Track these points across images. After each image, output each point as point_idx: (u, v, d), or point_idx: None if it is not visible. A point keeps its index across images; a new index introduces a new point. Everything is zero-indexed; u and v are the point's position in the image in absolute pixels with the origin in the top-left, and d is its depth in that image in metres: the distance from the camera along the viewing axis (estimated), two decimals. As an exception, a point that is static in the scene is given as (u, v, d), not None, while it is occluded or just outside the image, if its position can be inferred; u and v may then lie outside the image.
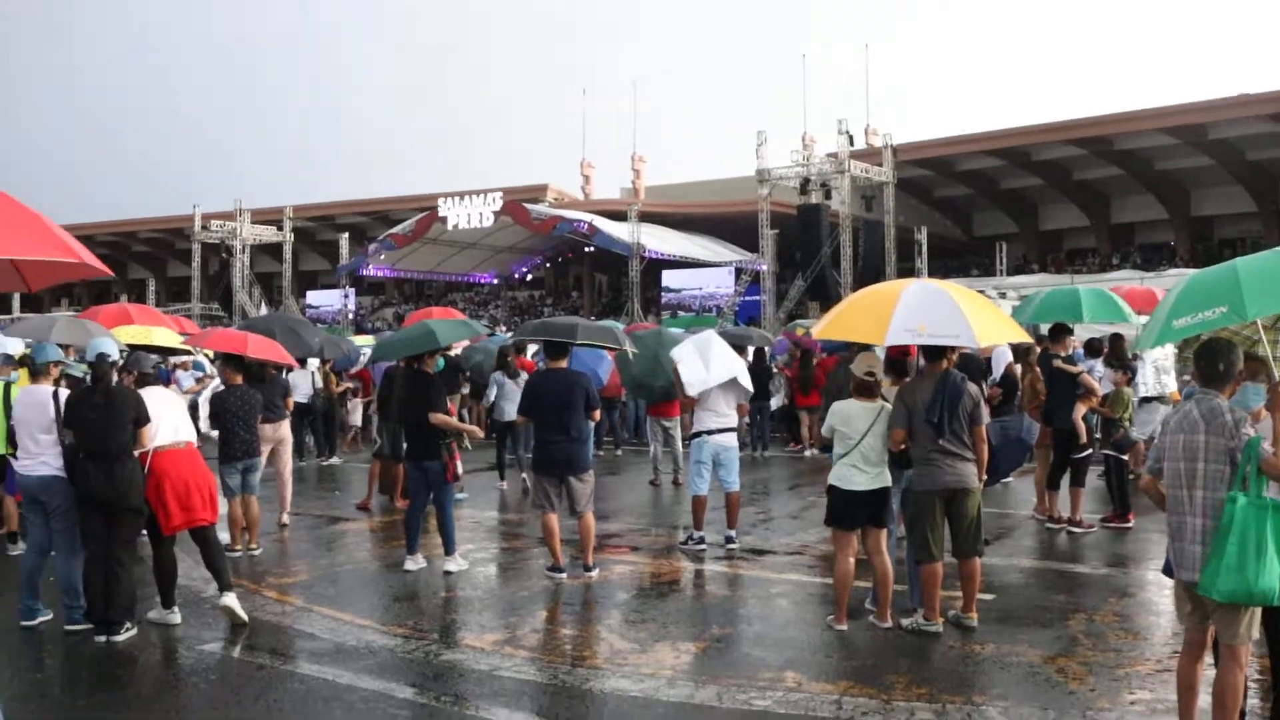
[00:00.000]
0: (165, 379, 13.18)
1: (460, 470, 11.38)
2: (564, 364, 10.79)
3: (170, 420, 9.06)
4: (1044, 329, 13.99)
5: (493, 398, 17.00)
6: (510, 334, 21.06)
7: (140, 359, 9.89)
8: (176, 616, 8.94)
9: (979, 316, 8.42)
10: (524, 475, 15.86)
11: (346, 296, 63.12)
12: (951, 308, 8.30)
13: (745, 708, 6.79)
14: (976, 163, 53.25)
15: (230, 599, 8.92)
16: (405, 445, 11.62)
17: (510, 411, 15.85)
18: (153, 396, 9.10)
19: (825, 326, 9.16)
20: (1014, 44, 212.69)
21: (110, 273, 5.81)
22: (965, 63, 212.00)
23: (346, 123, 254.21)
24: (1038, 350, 13.21)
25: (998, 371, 14.22)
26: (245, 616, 8.91)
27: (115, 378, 9.06)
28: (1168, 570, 6.02)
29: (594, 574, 10.60)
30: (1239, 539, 5.35)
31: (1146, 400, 14.89)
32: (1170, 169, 50.85)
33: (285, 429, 13.90)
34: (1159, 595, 9.71)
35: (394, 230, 58.23)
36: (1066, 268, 52.04)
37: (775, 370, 21.93)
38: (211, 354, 19.54)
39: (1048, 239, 58.54)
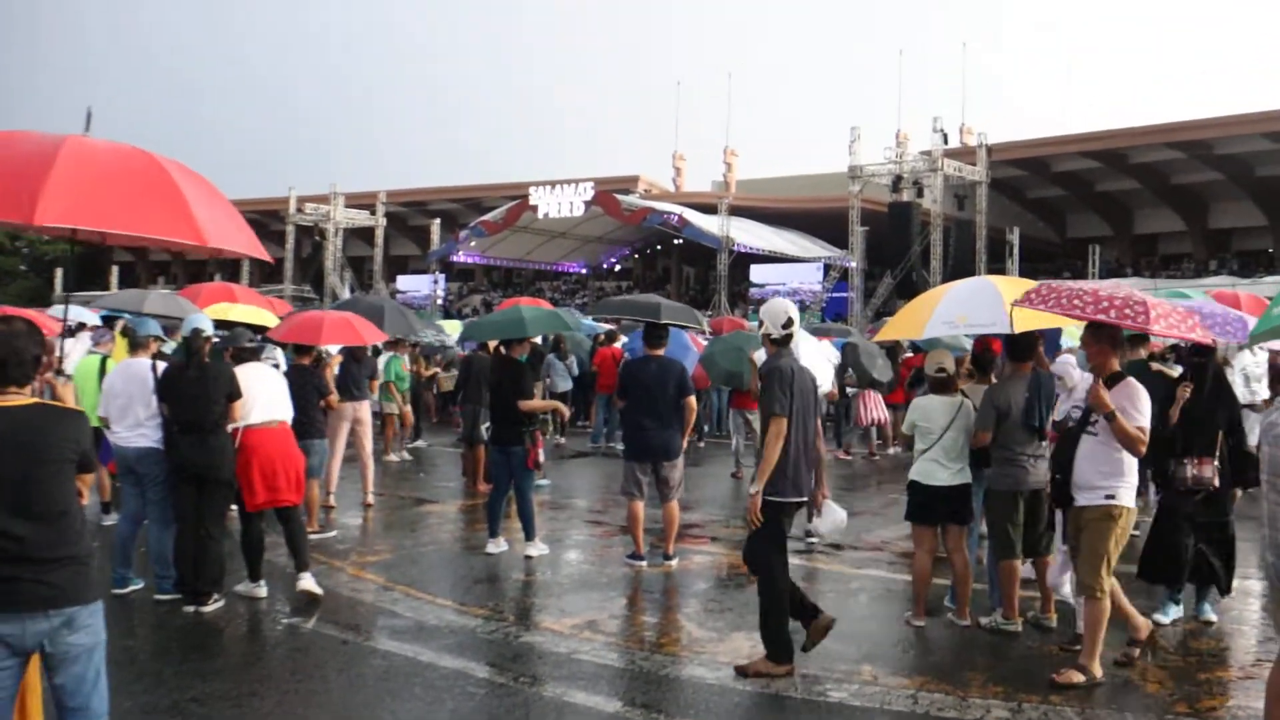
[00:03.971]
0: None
1: (542, 458, 11.44)
2: (661, 352, 10.78)
3: (264, 398, 9.19)
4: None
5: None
6: (592, 319, 21.08)
7: (238, 335, 9.98)
8: (263, 590, 9.10)
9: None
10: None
11: (436, 282, 63.60)
12: (993, 295, 8.38)
13: (821, 699, 6.80)
14: (1071, 164, 52.39)
15: (306, 579, 9.10)
16: (490, 430, 11.70)
17: (560, 386, 15.98)
18: (249, 373, 9.24)
19: (885, 328, 9.16)
20: (1113, 46, 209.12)
21: (270, 258, 6.01)
22: (1063, 63, 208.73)
23: (442, 111, 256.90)
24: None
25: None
26: (320, 591, 9.07)
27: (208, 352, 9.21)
28: None
29: (674, 563, 10.65)
30: None
31: (1238, 408, 14.63)
32: (1270, 174, 49.69)
33: (366, 410, 14.04)
34: (1244, 603, 9.55)
35: (485, 217, 58.46)
36: (1161, 272, 51.13)
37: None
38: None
39: (1142, 243, 57.47)
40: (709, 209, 53.13)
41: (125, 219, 5.30)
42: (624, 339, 19.73)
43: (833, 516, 7.81)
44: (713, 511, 13.96)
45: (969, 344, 11.12)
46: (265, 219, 66.96)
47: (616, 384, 11.29)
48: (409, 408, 18.82)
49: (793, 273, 54.80)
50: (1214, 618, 8.57)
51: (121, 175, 5.36)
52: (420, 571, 10.36)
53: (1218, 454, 8.29)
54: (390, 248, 70.15)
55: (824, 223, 53.75)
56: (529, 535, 11.09)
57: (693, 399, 10.83)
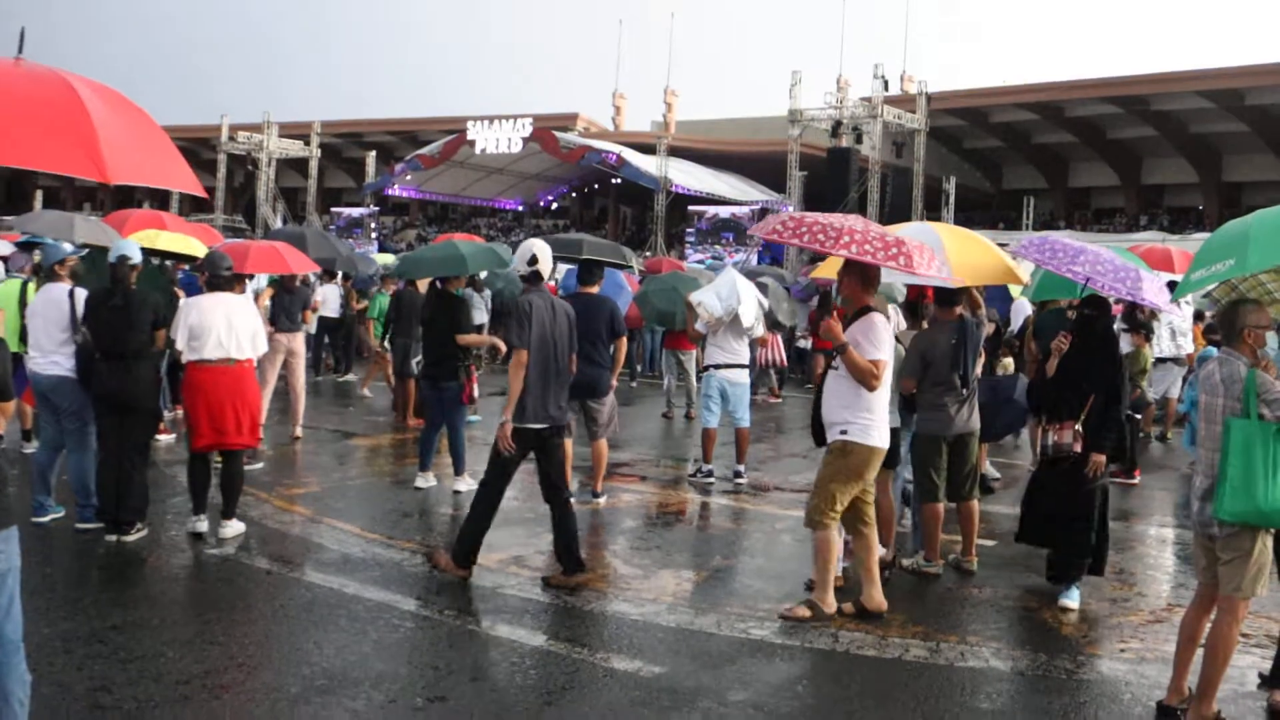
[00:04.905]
0: (190, 287, 13.10)
1: (476, 393, 11.41)
2: (595, 289, 10.69)
3: (220, 332, 8.80)
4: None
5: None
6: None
7: (215, 260, 9.33)
8: (203, 524, 8.89)
9: (966, 257, 8.58)
10: None
11: (371, 216, 63.04)
12: (937, 244, 8.31)
13: (743, 636, 6.89)
14: (1009, 115, 52.80)
15: (229, 527, 8.87)
16: (423, 365, 11.64)
17: (476, 319, 16.00)
18: (211, 304, 8.90)
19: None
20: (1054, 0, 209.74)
21: (203, 191, 5.81)
22: (1004, 15, 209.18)
23: (378, 41, 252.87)
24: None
25: (1016, 324, 14.19)
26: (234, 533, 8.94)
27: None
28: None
29: (602, 500, 10.71)
30: (1243, 458, 5.35)
31: (1161, 361, 14.91)
32: (1204, 132, 50.35)
33: (299, 341, 13.92)
34: (1160, 550, 9.80)
35: (421, 151, 57.88)
36: (1093, 226, 51.74)
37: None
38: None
39: (1076, 196, 58.10)
40: (648, 149, 52.95)
41: (10, 150, 5.10)
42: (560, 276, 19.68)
43: None
44: (643, 451, 14.02)
45: (903, 290, 11.21)
46: (196, 147, 65.72)
47: None
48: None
49: (729, 214, 54.64)
50: (1073, 604, 7.75)
51: (18, 100, 5.18)
52: (348, 505, 10.32)
53: (1083, 418, 7.74)
54: (325, 180, 69.24)
55: (763, 166, 53.95)
56: (459, 470, 11.07)
57: (624, 338, 10.83)
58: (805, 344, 21.70)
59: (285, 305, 13.76)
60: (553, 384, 7.95)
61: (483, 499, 8.02)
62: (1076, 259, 8.01)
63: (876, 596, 7.36)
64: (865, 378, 7.05)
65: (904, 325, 9.57)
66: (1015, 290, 13.95)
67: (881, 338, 7.10)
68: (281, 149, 63.01)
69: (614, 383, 10.76)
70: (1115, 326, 14.54)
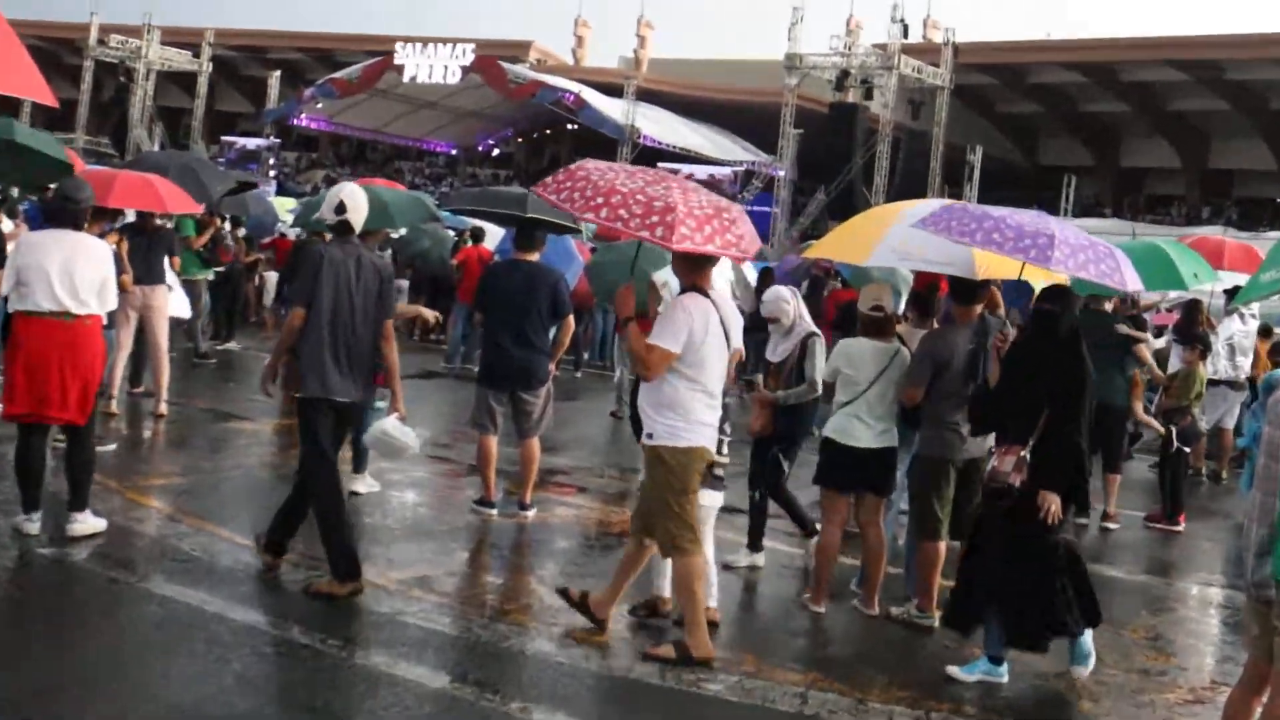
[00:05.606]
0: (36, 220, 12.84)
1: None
2: (535, 257, 10.64)
3: (55, 279, 8.46)
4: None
5: None
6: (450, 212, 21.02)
7: (69, 188, 8.99)
8: (34, 525, 8.54)
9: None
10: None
11: (271, 149, 62.52)
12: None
13: (692, 690, 6.85)
14: (1051, 76, 52.95)
15: (79, 522, 8.65)
16: None
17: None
18: (43, 241, 8.63)
19: (817, 244, 9.09)
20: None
21: (54, 102, 5.63)
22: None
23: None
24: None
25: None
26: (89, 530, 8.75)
27: None
28: None
29: (530, 514, 10.65)
30: None
31: (1216, 384, 14.86)
32: (1292, 110, 50.52)
33: (161, 296, 13.63)
34: (1203, 614, 9.87)
35: (337, 75, 57.69)
36: (1145, 214, 51.91)
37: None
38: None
39: (1128, 178, 58.43)
40: (614, 90, 53.07)
41: None
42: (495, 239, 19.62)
43: (383, 430, 8.40)
44: (584, 457, 14.01)
45: (908, 279, 11.22)
46: (57, 49, 65.03)
47: (476, 293, 11.22)
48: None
49: (706, 175, 54.39)
50: (1084, 671, 7.59)
51: None
52: (218, 502, 10.21)
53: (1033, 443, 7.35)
54: (215, 101, 68.75)
55: (750, 120, 54.06)
56: (358, 467, 10.94)
57: (570, 318, 10.78)
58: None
59: (143, 250, 13.50)
60: (343, 358, 8.06)
61: (315, 495, 8.12)
62: (975, 224, 7.81)
63: (703, 640, 7.31)
64: (637, 359, 7.36)
65: (790, 314, 9.56)
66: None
67: (677, 323, 7.20)
68: (164, 59, 62.38)
69: (554, 371, 10.72)
70: (1165, 339, 14.75)
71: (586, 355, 22.97)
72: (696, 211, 7.10)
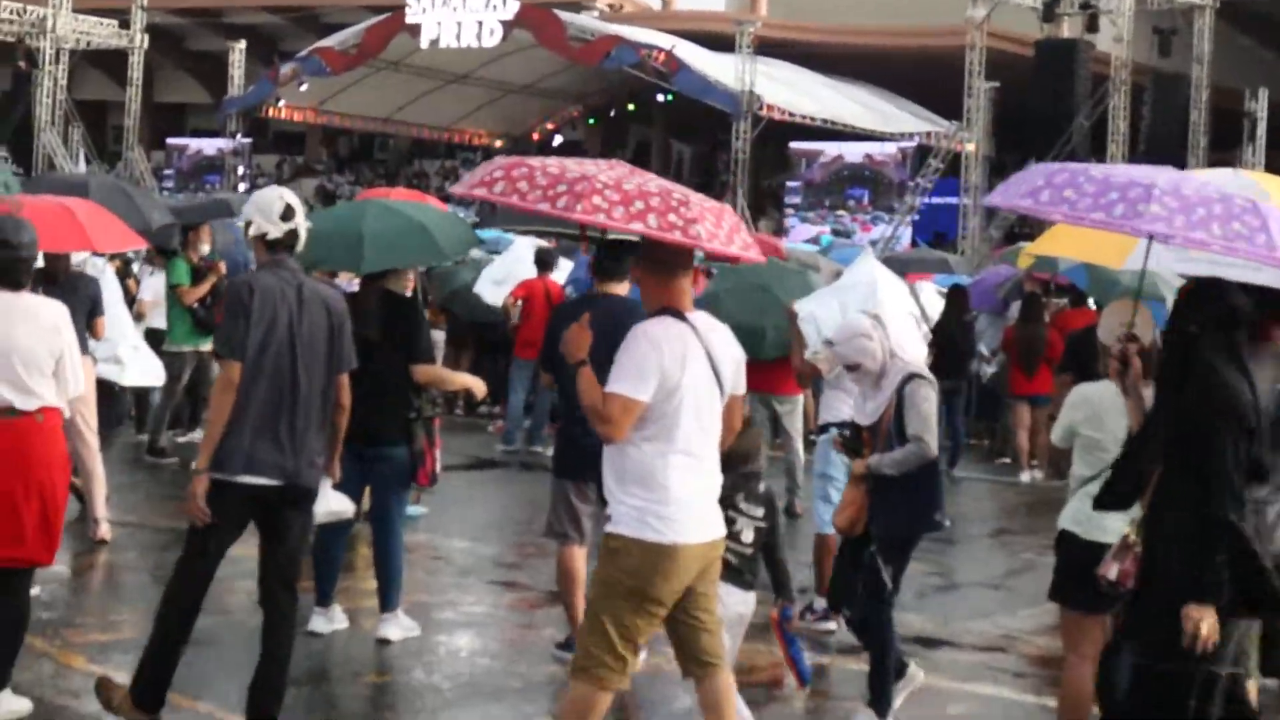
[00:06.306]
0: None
1: (439, 467, 11.16)
2: (624, 289, 10.21)
3: None
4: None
5: None
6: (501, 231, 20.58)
7: (5, 227, 8.66)
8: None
9: None
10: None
11: (239, 152, 60.60)
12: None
13: None
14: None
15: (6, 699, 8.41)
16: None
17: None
18: None
19: (1045, 237, 9.78)
20: None
21: None
22: None
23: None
24: None
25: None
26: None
27: None
28: None
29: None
30: None
31: None
32: None
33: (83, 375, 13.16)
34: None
35: (326, 42, 55.55)
36: None
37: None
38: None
39: None
40: (721, 43, 50.72)
41: None
42: (568, 266, 19.56)
43: (326, 504, 8.66)
44: None
45: (1172, 282, 10.29)
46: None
47: (544, 345, 10.83)
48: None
49: (862, 155, 52.68)
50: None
51: None
52: (189, 664, 9.25)
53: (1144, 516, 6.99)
54: (155, 89, 67.21)
55: (919, 74, 51.81)
56: (388, 604, 10.74)
57: None
58: (988, 369, 21.41)
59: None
60: (285, 417, 7.97)
61: (172, 596, 8.27)
62: (1044, 182, 7.22)
63: None
64: (591, 415, 7.02)
65: (877, 355, 9.41)
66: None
67: (641, 360, 6.88)
68: (79, 34, 59.23)
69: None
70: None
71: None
72: (707, 204, 7.04)
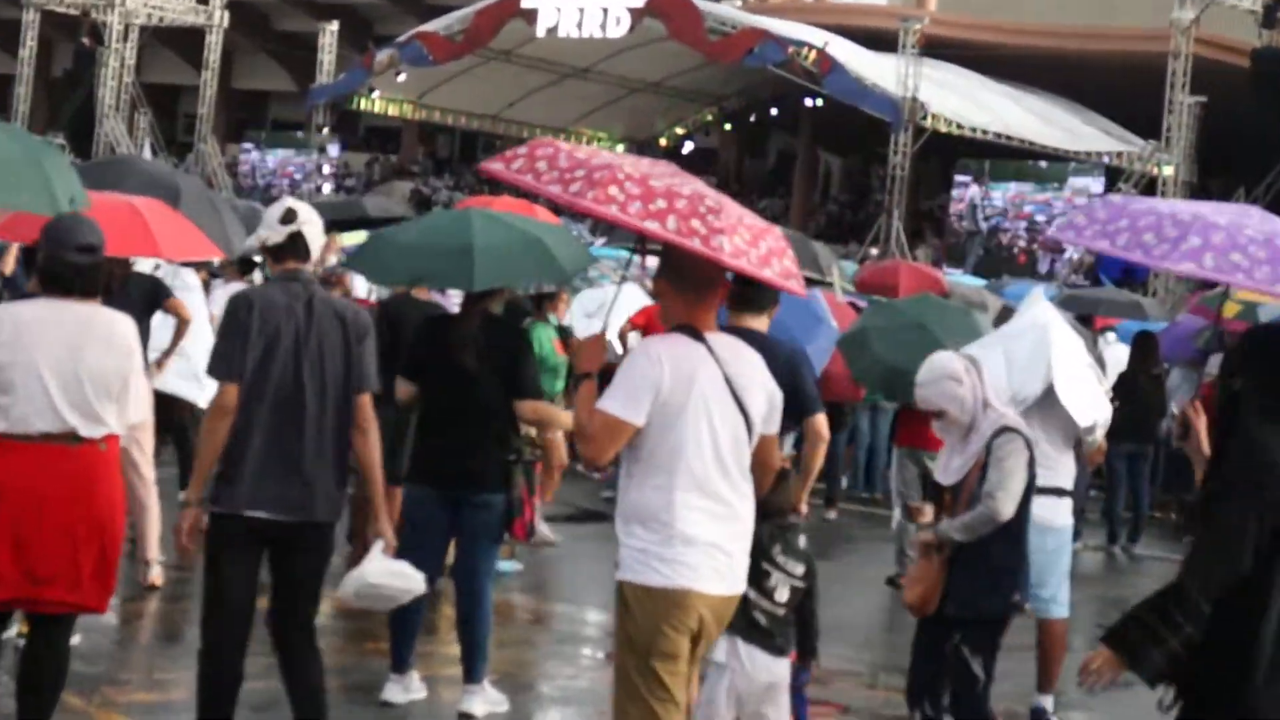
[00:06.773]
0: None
1: (539, 521, 11.54)
2: (761, 323, 10.16)
3: (51, 381, 8.05)
4: None
5: None
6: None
7: (61, 232, 8.55)
8: None
9: None
10: None
11: (324, 149, 61.48)
12: None
13: None
14: None
15: None
16: (427, 459, 11.13)
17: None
18: (43, 322, 8.18)
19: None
20: None
21: None
22: None
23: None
24: None
25: None
26: None
27: None
28: None
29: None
30: None
31: None
32: None
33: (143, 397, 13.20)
34: None
35: (429, 27, 55.89)
36: None
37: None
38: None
39: None
40: (880, 42, 50.88)
41: None
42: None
43: (376, 569, 8.44)
44: (849, 654, 13.41)
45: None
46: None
47: None
48: None
49: (1043, 179, 52.82)
50: None
51: None
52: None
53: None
54: (234, 73, 68.66)
55: (1109, 85, 51.88)
56: (473, 674, 10.71)
57: (820, 419, 10.34)
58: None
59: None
60: (293, 447, 8.01)
61: (206, 663, 8.39)
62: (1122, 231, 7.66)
63: None
64: (575, 431, 7.60)
65: (967, 403, 9.37)
66: None
67: (637, 376, 6.94)
68: (153, 8, 60.76)
69: (801, 509, 9.94)
70: None
71: (846, 483, 22.64)
72: (749, 219, 7.06)
